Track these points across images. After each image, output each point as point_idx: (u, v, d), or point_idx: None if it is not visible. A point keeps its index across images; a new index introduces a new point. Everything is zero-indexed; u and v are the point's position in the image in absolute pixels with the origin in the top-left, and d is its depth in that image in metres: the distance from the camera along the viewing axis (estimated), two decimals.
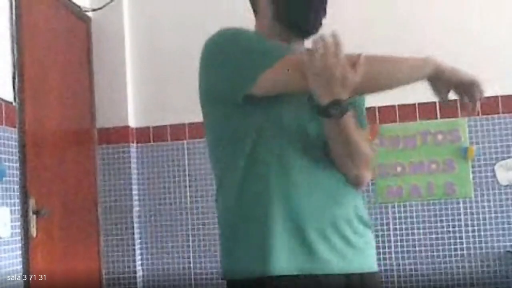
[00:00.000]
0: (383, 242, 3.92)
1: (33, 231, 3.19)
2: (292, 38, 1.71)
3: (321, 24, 1.71)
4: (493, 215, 3.86)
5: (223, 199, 1.71)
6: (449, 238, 3.88)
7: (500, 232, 3.85)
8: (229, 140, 1.65)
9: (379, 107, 3.98)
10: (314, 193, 1.62)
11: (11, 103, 3.15)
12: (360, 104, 1.81)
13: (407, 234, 3.91)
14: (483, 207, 3.87)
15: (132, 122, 4.18)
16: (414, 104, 3.96)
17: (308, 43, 1.68)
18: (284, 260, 1.58)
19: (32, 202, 3.20)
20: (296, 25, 1.70)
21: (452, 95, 4.03)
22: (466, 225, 3.88)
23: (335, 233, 1.62)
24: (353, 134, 1.61)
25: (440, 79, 1.69)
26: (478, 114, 2.20)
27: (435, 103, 3.94)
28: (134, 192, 4.11)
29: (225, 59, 1.63)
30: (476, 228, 3.86)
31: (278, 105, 1.61)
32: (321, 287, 1.59)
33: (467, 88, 1.68)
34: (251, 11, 1.89)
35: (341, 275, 1.62)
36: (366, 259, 1.69)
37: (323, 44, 1.53)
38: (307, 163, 1.62)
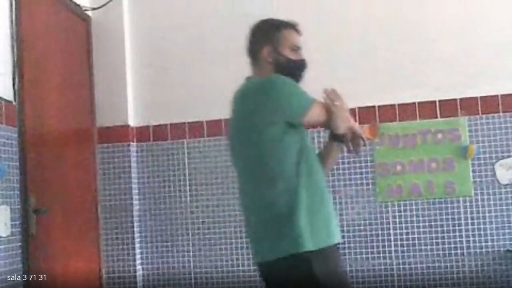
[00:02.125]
0: (383, 241, 3.92)
1: (33, 230, 3.20)
2: None
3: None
4: (493, 214, 3.86)
5: (285, 193, 2.30)
6: (449, 237, 3.88)
7: (500, 231, 3.85)
8: (290, 151, 2.33)
9: (379, 106, 3.98)
10: (325, 189, 2.45)
11: (11, 102, 3.16)
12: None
13: (407, 233, 3.91)
14: (483, 206, 3.87)
15: (132, 121, 4.18)
16: (414, 103, 3.96)
17: None
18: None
19: (32, 201, 3.21)
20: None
21: (452, 95, 4.00)
22: (466, 224, 3.88)
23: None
24: None
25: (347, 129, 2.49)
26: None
27: (435, 102, 3.95)
28: (134, 191, 4.11)
29: (287, 97, 2.34)
30: (476, 227, 3.86)
31: (298, 133, 2.39)
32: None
33: (357, 136, 2.50)
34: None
35: None
36: None
37: (338, 96, 2.46)
38: (320, 169, 2.45)
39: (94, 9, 4.13)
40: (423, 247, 3.90)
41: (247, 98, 2.43)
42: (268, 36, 2.51)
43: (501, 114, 3.89)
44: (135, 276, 4.03)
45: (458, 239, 3.88)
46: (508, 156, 3.87)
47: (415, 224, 3.91)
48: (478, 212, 3.87)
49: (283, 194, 2.30)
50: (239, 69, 4.13)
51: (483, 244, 3.85)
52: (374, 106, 3.98)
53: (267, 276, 2.38)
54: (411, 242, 3.91)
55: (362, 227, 3.95)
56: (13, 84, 3.18)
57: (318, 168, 2.42)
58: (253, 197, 2.40)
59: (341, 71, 4.00)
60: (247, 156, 2.40)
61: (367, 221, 3.96)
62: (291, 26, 2.52)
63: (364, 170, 3.98)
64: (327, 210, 2.38)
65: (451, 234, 3.88)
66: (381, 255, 3.92)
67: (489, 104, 3.89)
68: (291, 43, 2.48)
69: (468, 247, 3.86)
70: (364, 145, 2.51)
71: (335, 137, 2.49)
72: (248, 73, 4.11)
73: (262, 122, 2.33)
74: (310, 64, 3.94)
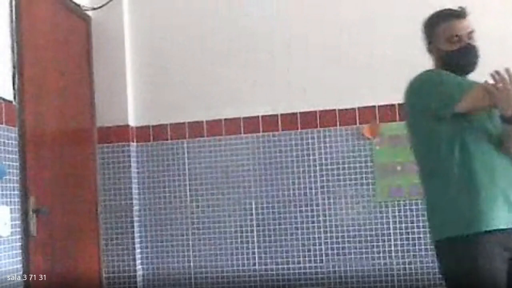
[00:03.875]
0: (383, 241, 3.92)
1: (33, 230, 3.20)
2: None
3: (475, 69, 2.55)
4: None
5: (437, 182, 2.49)
6: None
7: None
8: (441, 142, 2.45)
9: (379, 106, 3.97)
10: (499, 173, 2.42)
11: (11, 102, 3.16)
12: None
13: (407, 233, 3.91)
14: None
15: (132, 121, 4.18)
16: None
17: None
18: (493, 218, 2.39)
19: (32, 201, 3.21)
20: (459, 73, 2.53)
21: None
22: None
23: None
24: None
25: None
26: None
27: None
28: (134, 191, 4.11)
29: (431, 91, 2.47)
30: None
31: (469, 118, 2.43)
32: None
33: None
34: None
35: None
36: None
37: (501, 78, 2.36)
38: (493, 155, 2.44)
39: (94, 9, 4.14)
40: (422, 247, 3.89)
41: (406, 94, 2.61)
42: (429, 34, 2.62)
43: None
44: (135, 276, 4.03)
45: None
46: None
47: (414, 224, 3.91)
48: None
49: (436, 184, 2.50)
50: (239, 69, 4.17)
51: None
52: (374, 106, 3.98)
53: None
54: (410, 242, 3.91)
55: (362, 227, 3.95)
56: (13, 84, 3.18)
57: (478, 154, 2.43)
58: (421, 184, 2.63)
59: (341, 71, 4.00)
60: (412, 148, 2.63)
61: (367, 221, 3.96)
62: (449, 16, 2.56)
63: (364, 170, 3.98)
64: (483, 196, 2.39)
65: None
66: (381, 255, 3.92)
67: None
68: (449, 35, 2.54)
69: None
70: None
71: (504, 119, 2.43)
72: (247, 72, 4.14)
73: (416, 117, 2.55)
74: (305, 63, 3.99)
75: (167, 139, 4.17)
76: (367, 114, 3.98)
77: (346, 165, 3.98)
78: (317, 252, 3.97)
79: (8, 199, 3.03)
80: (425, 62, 3.91)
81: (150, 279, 4.10)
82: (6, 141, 3.06)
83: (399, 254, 3.91)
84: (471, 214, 2.40)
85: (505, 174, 2.45)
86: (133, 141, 4.16)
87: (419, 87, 2.54)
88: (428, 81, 2.53)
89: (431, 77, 2.53)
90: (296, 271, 3.97)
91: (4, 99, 3.10)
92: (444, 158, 2.46)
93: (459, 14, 2.56)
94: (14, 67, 3.20)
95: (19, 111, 3.19)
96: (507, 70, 2.42)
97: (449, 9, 2.59)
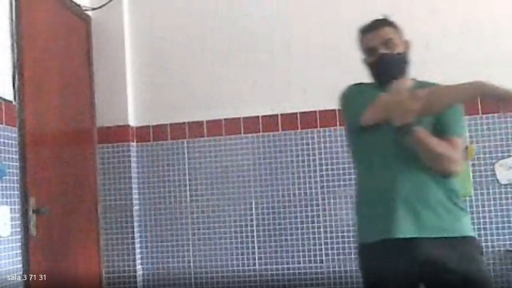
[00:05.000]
0: None
1: (33, 230, 3.20)
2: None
3: (398, 77, 2.51)
4: (492, 214, 3.86)
5: (356, 188, 2.62)
6: None
7: (500, 231, 3.84)
8: (356, 152, 2.60)
9: None
10: (407, 182, 2.41)
11: (11, 102, 3.16)
12: (439, 120, 2.45)
13: None
14: (483, 206, 3.86)
15: (132, 121, 4.18)
16: None
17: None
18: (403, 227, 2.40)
19: (32, 201, 3.21)
20: (380, 84, 2.52)
21: None
22: None
23: (427, 209, 2.40)
24: (428, 142, 2.38)
25: (485, 96, 2.33)
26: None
27: None
28: (134, 191, 4.11)
29: (347, 105, 2.57)
30: (475, 227, 3.85)
31: (374, 133, 2.44)
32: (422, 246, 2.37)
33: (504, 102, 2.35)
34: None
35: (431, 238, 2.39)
36: (454, 227, 2.42)
37: (394, 90, 2.41)
38: (397, 168, 2.43)
39: (94, 9, 4.14)
40: None
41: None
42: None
43: (501, 114, 3.88)
44: (135, 276, 4.03)
45: None
46: (508, 156, 3.87)
47: None
48: (477, 212, 3.87)
49: (356, 190, 2.62)
50: (239, 69, 4.17)
51: (483, 244, 3.84)
52: None
53: None
54: None
55: None
56: (13, 84, 3.19)
57: (376, 168, 2.47)
58: None
59: (341, 71, 4.00)
60: None
61: None
62: (362, 31, 2.59)
63: None
64: (378, 208, 2.44)
65: None
66: None
67: (489, 104, 3.88)
68: (365, 48, 2.57)
69: None
70: None
71: (399, 132, 2.39)
72: (247, 72, 4.14)
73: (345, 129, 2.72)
74: (310, 63, 3.99)
75: (167, 139, 4.17)
76: None
77: (346, 165, 3.98)
78: (317, 252, 3.97)
79: (8, 199, 3.03)
80: (425, 62, 3.94)
81: (150, 279, 4.10)
82: (6, 141, 3.06)
83: None
84: (358, 226, 2.55)
85: (411, 186, 2.42)
86: (133, 141, 4.16)
87: (340, 102, 2.60)
88: (345, 96, 2.58)
89: (348, 92, 2.58)
90: (296, 271, 3.97)
91: (4, 99, 3.10)
92: (355, 169, 2.64)
93: (370, 26, 2.57)
94: (14, 67, 3.20)
95: (19, 111, 3.20)
96: (403, 81, 2.49)
97: (368, 22, 2.61)
